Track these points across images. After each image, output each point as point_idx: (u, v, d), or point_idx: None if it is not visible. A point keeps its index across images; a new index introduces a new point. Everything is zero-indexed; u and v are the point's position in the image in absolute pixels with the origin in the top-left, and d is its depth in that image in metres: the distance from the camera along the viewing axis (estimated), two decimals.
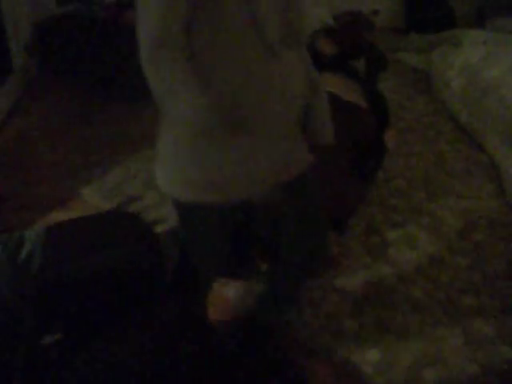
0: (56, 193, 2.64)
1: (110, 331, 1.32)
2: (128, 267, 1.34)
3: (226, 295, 1.64)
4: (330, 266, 2.21)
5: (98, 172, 2.77)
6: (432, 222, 2.46)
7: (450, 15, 4.68)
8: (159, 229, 2.38)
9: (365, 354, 1.87)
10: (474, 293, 2.10)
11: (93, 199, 2.60)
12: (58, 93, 3.60)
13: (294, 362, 1.45)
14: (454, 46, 3.88)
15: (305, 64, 1.42)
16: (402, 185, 2.71)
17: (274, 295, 1.76)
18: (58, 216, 2.49)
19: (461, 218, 2.49)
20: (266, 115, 1.32)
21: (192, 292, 1.52)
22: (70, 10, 3.83)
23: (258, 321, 1.61)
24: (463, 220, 2.48)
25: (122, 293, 1.34)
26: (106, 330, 1.31)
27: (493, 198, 2.62)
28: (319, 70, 1.66)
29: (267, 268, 2.01)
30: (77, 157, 2.90)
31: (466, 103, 3.32)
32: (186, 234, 1.50)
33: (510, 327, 1.97)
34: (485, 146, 2.99)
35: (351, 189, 2.29)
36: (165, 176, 1.42)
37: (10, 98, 3.44)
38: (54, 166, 2.83)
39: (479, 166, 2.87)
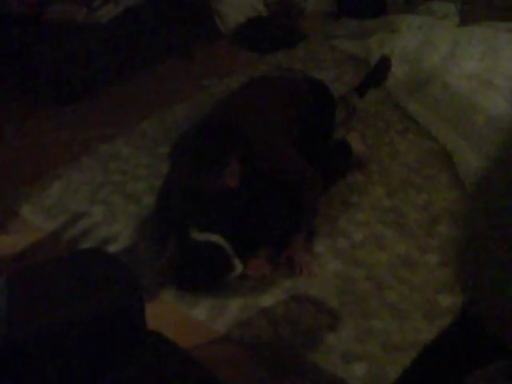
0: None
1: None
2: (108, 318, 1.18)
3: None
4: (302, 274, 2.12)
5: (36, 187, 2.52)
6: (396, 218, 2.41)
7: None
8: (111, 248, 2.20)
9: (351, 368, 1.79)
10: (449, 292, 2.05)
11: (34, 218, 2.36)
12: None
13: None
14: (391, 32, 3.86)
15: None
16: (360, 180, 2.64)
17: None
18: None
19: (423, 212, 2.45)
20: None
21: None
22: None
23: None
24: (426, 214, 2.44)
25: (102, 347, 1.17)
26: None
27: (451, 189, 2.59)
28: None
29: None
30: (10, 171, 2.63)
31: (410, 91, 3.30)
32: None
33: None
34: (435, 135, 2.97)
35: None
36: None
37: None
38: None
39: (432, 156, 2.83)
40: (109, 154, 2.77)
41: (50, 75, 3.15)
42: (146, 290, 2.03)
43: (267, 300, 2.00)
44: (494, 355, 1.27)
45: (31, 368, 1.10)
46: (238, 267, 2.03)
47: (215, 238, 2.02)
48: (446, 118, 2.98)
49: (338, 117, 2.71)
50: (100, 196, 2.48)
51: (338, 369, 1.78)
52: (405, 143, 2.93)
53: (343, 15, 4.65)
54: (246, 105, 2.22)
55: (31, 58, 3.18)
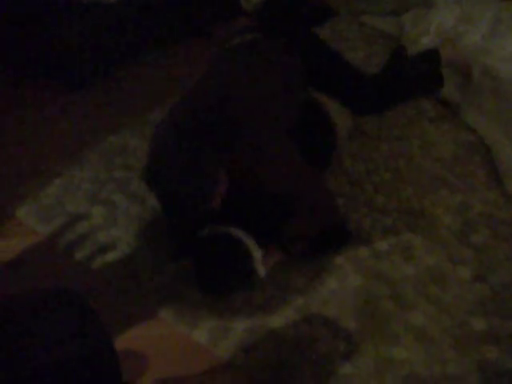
0: None
1: None
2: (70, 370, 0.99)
3: None
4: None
5: (33, 185, 2.34)
6: (426, 223, 2.15)
7: None
8: (109, 257, 2.02)
9: None
10: (483, 313, 1.81)
11: (29, 221, 2.19)
12: None
13: None
14: (426, 7, 3.53)
15: None
16: (387, 178, 2.38)
17: None
18: None
19: (457, 216, 2.19)
20: None
21: None
22: None
23: None
24: (460, 219, 2.18)
25: None
26: None
27: (489, 189, 2.32)
28: None
29: None
30: (7, 168, 2.46)
31: (445, 74, 2.99)
32: None
33: None
34: (473, 125, 2.68)
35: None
36: None
37: None
38: None
39: (469, 150, 2.56)
40: (114, 147, 2.57)
41: (53, 58, 2.95)
42: (143, 306, 1.85)
43: (276, 321, 1.79)
44: None
45: None
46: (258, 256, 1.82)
47: (233, 230, 1.79)
48: (485, 106, 2.69)
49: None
50: (101, 196, 2.29)
51: None
52: (438, 134, 2.65)
53: None
54: (246, 88, 1.92)
55: (33, 40, 2.97)
